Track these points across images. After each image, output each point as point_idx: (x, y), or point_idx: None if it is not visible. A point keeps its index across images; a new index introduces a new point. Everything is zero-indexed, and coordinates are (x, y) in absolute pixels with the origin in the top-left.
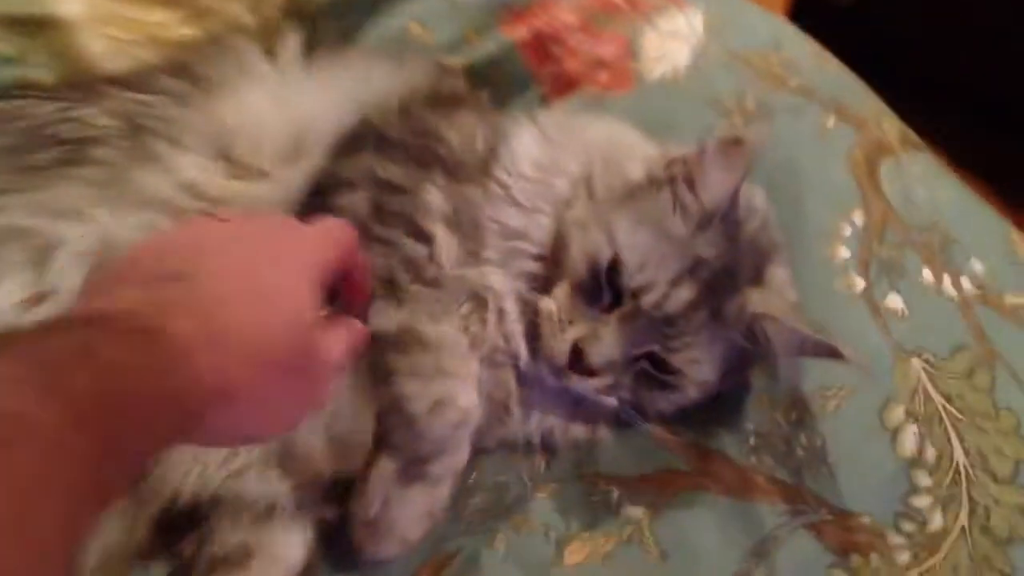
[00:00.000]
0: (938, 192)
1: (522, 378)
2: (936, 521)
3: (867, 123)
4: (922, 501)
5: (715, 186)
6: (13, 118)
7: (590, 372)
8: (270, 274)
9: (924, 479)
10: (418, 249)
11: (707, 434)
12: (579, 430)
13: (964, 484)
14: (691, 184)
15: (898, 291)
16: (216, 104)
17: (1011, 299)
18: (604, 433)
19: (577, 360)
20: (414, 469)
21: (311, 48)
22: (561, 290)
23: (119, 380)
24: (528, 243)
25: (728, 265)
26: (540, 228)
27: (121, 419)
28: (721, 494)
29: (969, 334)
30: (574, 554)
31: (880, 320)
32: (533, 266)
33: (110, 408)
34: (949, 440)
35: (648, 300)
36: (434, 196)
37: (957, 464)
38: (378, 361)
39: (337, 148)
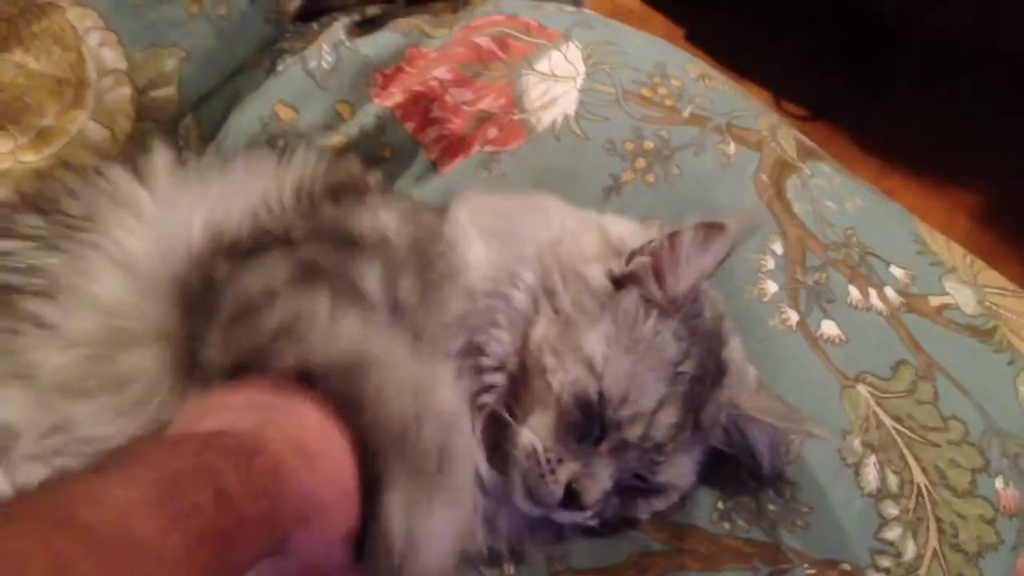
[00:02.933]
0: (845, 202)
1: (486, 491)
2: (909, 550)
3: (765, 140)
4: (893, 533)
5: (688, 273)
6: None
7: (583, 509)
8: None
9: (891, 509)
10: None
11: (675, 508)
12: (548, 536)
13: (928, 506)
14: (659, 274)
15: (831, 317)
16: (84, 252)
17: (935, 301)
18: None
19: (570, 498)
20: (423, 485)
21: (179, 153)
22: (541, 423)
23: (231, 507)
24: (486, 358)
25: (697, 370)
26: (499, 342)
27: (231, 544)
28: (703, 570)
29: (904, 347)
30: None
31: (820, 351)
32: (495, 379)
33: (224, 535)
34: (907, 462)
35: (634, 432)
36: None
37: (918, 486)
38: None
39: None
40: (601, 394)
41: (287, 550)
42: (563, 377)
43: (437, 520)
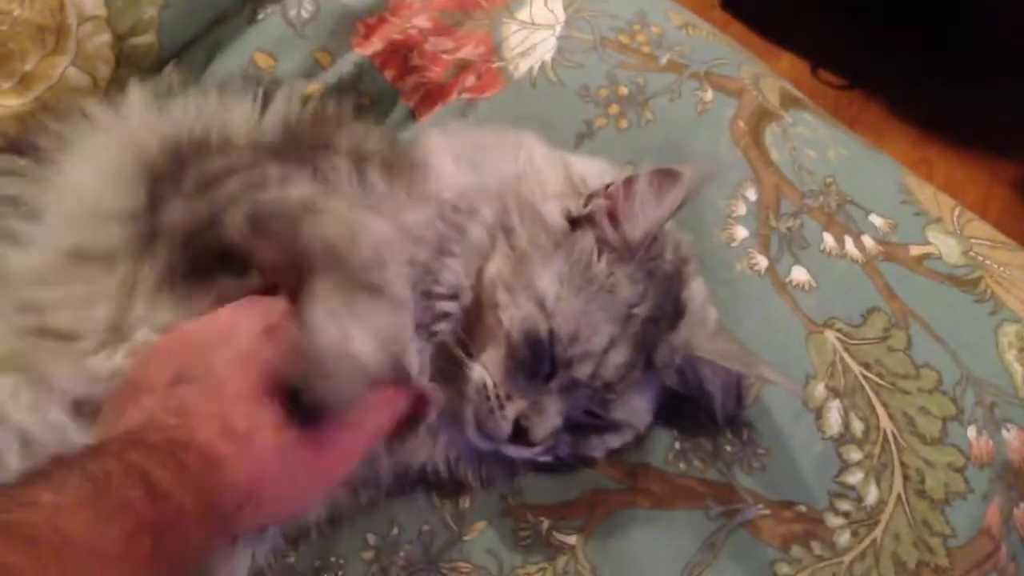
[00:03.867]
0: (827, 151)
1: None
2: (872, 495)
3: (746, 88)
4: (855, 477)
5: (642, 220)
6: None
7: (531, 444)
8: None
9: (854, 453)
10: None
11: (631, 448)
12: (501, 470)
13: (894, 451)
14: (614, 219)
15: (802, 263)
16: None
17: (916, 250)
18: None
19: (518, 434)
20: (348, 282)
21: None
22: (492, 359)
23: (164, 501)
24: (438, 284)
25: (651, 311)
26: (450, 271)
27: (169, 535)
28: (654, 507)
29: (879, 295)
30: None
31: (787, 296)
32: (447, 307)
33: (160, 527)
34: (874, 409)
35: (584, 371)
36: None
37: (885, 432)
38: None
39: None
40: (551, 332)
41: (238, 524)
42: (514, 313)
43: (365, 325)
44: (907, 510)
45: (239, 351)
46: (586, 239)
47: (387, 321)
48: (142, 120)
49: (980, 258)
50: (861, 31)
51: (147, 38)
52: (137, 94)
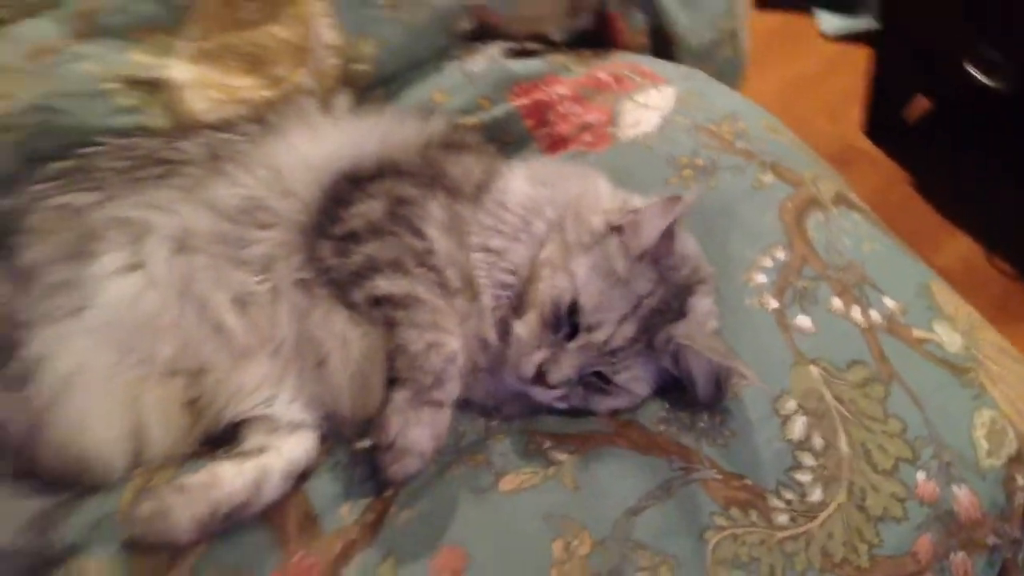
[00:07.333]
0: (863, 244)
1: (490, 362)
2: (816, 495)
3: (804, 182)
4: (804, 477)
5: (650, 229)
6: (130, 149)
7: (549, 386)
8: None
9: (808, 460)
10: (416, 243)
11: (629, 411)
12: (527, 407)
13: (845, 470)
14: (635, 229)
15: (807, 314)
16: (274, 141)
17: (919, 333)
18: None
19: (539, 377)
20: (421, 396)
21: (358, 105)
22: (530, 317)
23: None
24: (504, 261)
25: (660, 305)
26: (515, 253)
27: None
28: (630, 449)
29: (869, 354)
30: (507, 484)
31: (786, 333)
32: (508, 279)
33: None
34: (836, 433)
35: (599, 336)
36: (433, 207)
37: (841, 453)
38: (388, 315)
39: (360, 173)
40: (576, 302)
41: None
42: (549, 285)
43: (424, 415)
44: (844, 516)
45: None
46: (615, 242)
47: (442, 423)
48: (340, 128)
49: (980, 356)
50: None
51: (364, 67)
52: (344, 102)
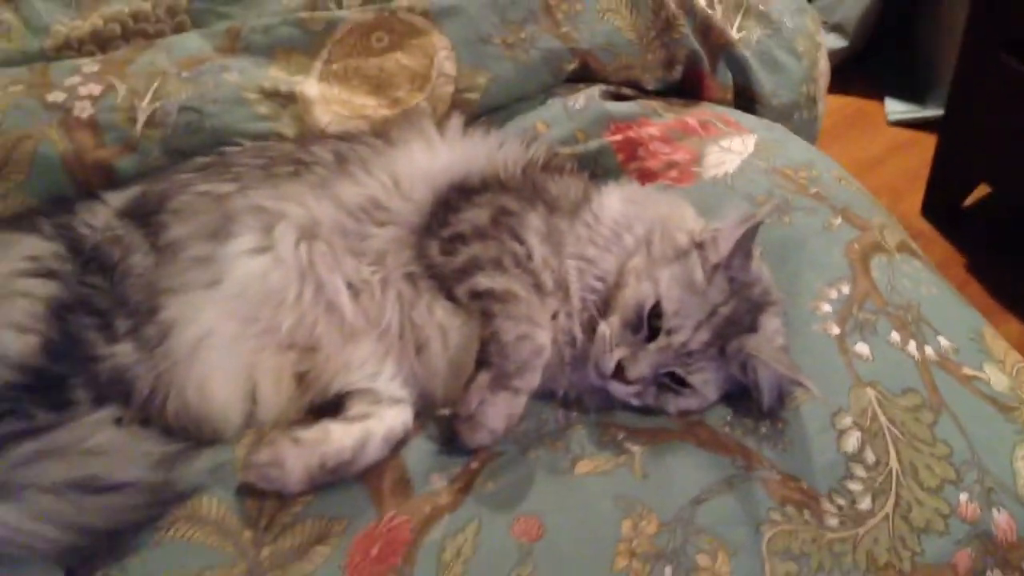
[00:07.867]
0: (921, 287)
1: (574, 358)
2: (865, 503)
3: (870, 227)
4: (856, 486)
5: (725, 242)
6: (266, 149)
7: (627, 382)
8: None
9: (860, 471)
10: (516, 247)
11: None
12: (605, 401)
13: (894, 485)
14: (714, 243)
15: (867, 342)
16: (395, 152)
17: (968, 371)
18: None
19: (618, 372)
20: (502, 381)
21: (467, 127)
22: (614, 319)
23: None
24: (595, 268)
25: (733, 316)
26: (606, 262)
27: None
28: (697, 446)
29: (922, 384)
30: (582, 467)
31: (847, 358)
32: (597, 284)
33: None
34: (887, 451)
35: (677, 339)
36: (533, 218)
37: (891, 470)
38: (486, 307)
39: (468, 185)
40: (658, 306)
41: None
42: (635, 289)
43: (500, 398)
44: (890, 525)
45: None
46: (695, 256)
47: (516, 407)
48: (452, 146)
49: None
50: None
51: (474, 95)
52: (456, 124)
